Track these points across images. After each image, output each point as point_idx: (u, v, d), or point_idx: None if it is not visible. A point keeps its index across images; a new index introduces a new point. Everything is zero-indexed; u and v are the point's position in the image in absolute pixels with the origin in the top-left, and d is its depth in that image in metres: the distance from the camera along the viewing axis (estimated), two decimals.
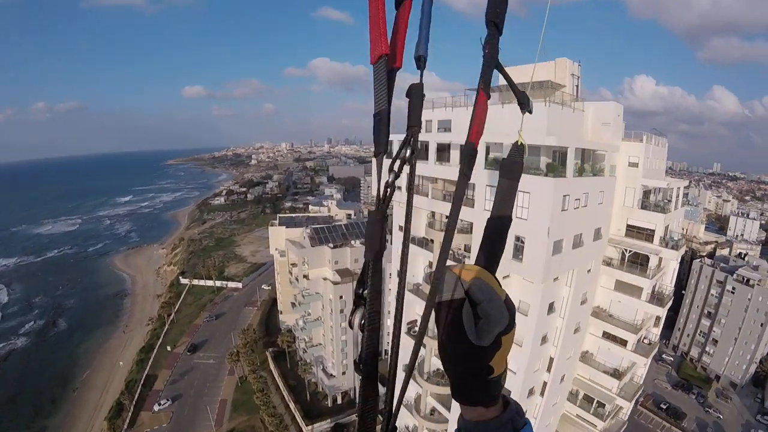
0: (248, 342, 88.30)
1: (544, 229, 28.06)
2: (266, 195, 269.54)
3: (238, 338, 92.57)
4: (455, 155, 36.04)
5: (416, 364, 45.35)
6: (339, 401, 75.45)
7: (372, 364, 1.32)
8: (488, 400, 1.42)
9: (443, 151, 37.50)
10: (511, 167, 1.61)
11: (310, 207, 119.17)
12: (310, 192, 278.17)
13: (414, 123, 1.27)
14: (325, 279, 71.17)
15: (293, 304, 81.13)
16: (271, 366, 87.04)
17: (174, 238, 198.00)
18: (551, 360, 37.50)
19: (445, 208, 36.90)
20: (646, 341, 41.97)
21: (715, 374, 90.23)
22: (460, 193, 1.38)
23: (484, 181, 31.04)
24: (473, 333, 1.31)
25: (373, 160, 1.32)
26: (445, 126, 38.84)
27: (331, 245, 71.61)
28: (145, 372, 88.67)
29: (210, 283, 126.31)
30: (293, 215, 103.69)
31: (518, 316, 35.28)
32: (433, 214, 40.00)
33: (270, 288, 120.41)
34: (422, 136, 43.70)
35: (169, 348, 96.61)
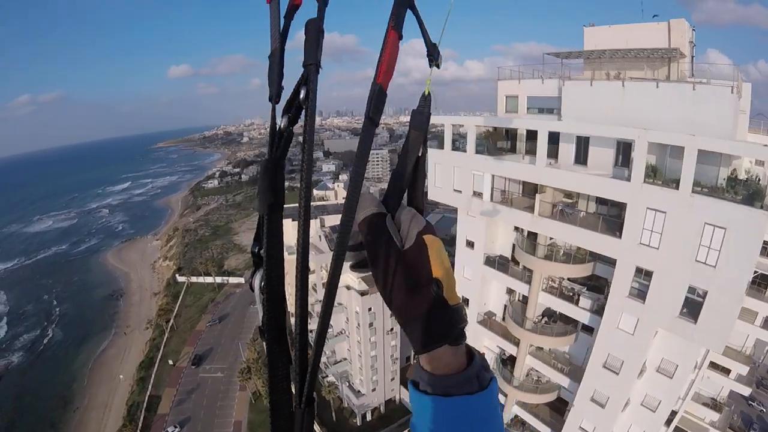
0: (259, 356, 79.18)
1: (742, 281, 17.67)
2: None
3: (246, 350, 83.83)
4: (566, 152, 25.39)
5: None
6: (369, 418, 67.65)
7: (276, 328, 1.08)
8: (451, 335, 1.21)
9: (533, 140, 28.35)
10: (419, 118, 1.48)
11: (315, 192, 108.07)
12: None
13: (310, 60, 1.08)
14: (348, 288, 61.57)
15: (309, 314, 71.59)
16: None
17: (168, 228, 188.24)
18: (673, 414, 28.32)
19: (546, 228, 27.90)
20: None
21: None
22: (366, 142, 1.14)
23: (642, 201, 20.54)
24: (400, 239, 1.26)
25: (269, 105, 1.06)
26: (544, 106, 29.79)
27: (352, 242, 61.27)
28: (148, 393, 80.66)
29: (209, 279, 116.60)
30: (297, 205, 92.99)
31: (656, 377, 25.79)
32: (523, 232, 31.63)
33: None
34: (501, 119, 32.23)
35: (171, 362, 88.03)
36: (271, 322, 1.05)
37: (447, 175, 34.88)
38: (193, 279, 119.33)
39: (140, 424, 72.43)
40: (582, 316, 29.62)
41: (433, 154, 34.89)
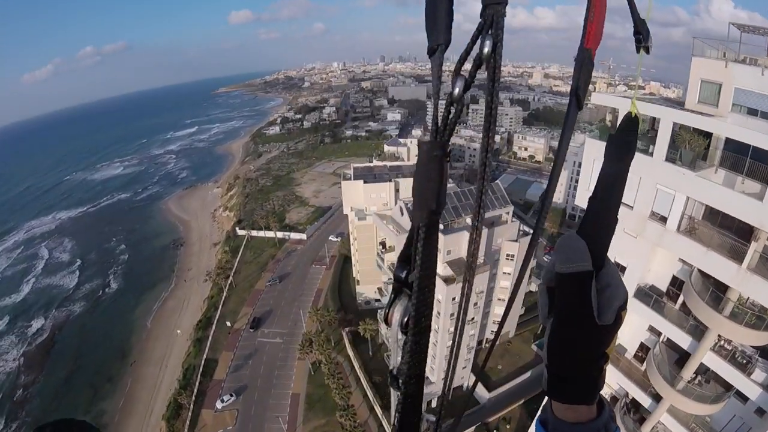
0: (322, 328, 70.61)
1: None
2: (323, 122, 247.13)
3: (307, 318, 75.64)
4: None
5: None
6: (433, 404, 58.37)
7: (416, 380, 0.99)
8: (594, 396, 1.25)
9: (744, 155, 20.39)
10: (624, 147, 1.25)
11: (386, 148, 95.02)
12: (371, 117, 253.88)
13: None
14: None
15: (380, 291, 61.22)
16: (349, 351, 71.06)
17: (229, 175, 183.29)
18: None
19: (757, 290, 20.02)
20: None
21: None
22: (570, 121, 1.08)
23: None
24: (596, 310, 1.14)
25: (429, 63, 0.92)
26: (760, 108, 20.72)
27: (441, 226, 48.90)
28: (204, 356, 75.52)
29: (270, 234, 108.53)
30: (370, 165, 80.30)
31: None
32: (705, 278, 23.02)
33: (339, 240, 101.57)
34: (684, 120, 23.04)
35: (228, 323, 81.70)
36: (411, 370, 0.94)
37: None
38: (254, 233, 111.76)
39: (195, 390, 67.88)
40: (751, 389, 22.84)
41: (594, 149, 26.58)
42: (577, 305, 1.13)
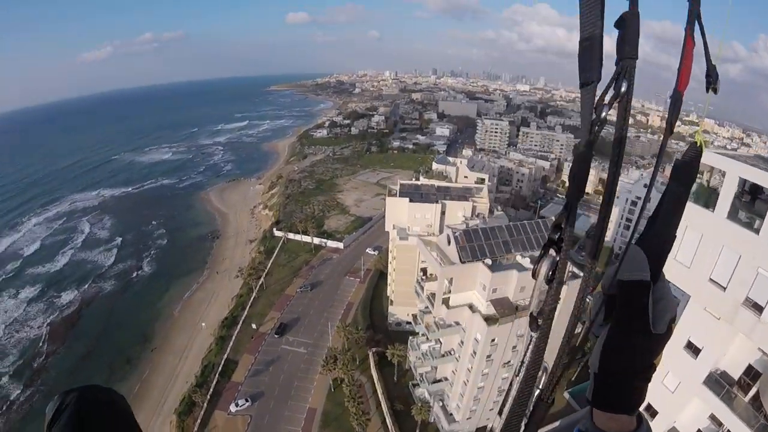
0: (348, 346, 67.43)
1: None
2: (371, 130, 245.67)
3: (334, 333, 72.88)
4: None
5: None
6: None
7: (549, 323, 1.26)
8: (637, 407, 1.36)
9: None
10: (687, 170, 1.43)
11: (434, 165, 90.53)
12: (420, 129, 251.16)
13: (631, 54, 1.12)
14: (472, 308, 46.22)
15: (415, 319, 57.53)
16: (373, 372, 67.49)
17: (272, 173, 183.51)
18: None
19: None
20: None
21: None
22: (662, 154, 1.33)
23: None
24: (651, 320, 1.26)
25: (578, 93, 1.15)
26: None
27: (489, 261, 45.12)
28: (225, 355, 73.59)
29: (307, 239, 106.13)
30: (417, 183, 75.86)
31: None
32: None
33: (376, 254, 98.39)
34: None
35: (254, 326, 79.59)
36: (551, 313, 1.18)
37: (708, 254, 21.72)
38: (291, 236, 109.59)
39: (211, 389, 66.36)
40: None
41: (691, 215, 21.91)
42: (635, 312, 1.25)
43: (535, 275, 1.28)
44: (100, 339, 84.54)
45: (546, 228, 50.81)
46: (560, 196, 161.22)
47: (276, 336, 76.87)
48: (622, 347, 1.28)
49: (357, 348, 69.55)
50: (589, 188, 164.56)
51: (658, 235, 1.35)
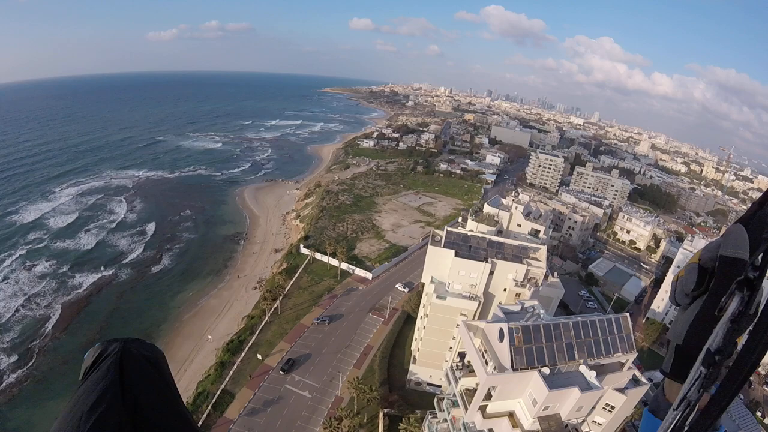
0: (358, 408, 58.71)
1: None
2: (419, 147, 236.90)
3: (345, 384, 64.37)
4: None
5: None
6: None
7: (725, 359, 1.28)
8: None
9: None
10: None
11: (486, 208, 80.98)
12: (470, 153, 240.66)
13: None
14: (512, 418, 36.72)
15: (438, 405, 47.90)
16: None
17: (311, 179, 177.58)
18: None
19: None
20: None
21: None
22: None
23: None
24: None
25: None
26: None
27: (547, 371, 35.54)
28: (223, 385, 66.26)
29: (334, 262, 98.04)
30: (467, 232, 65.30)
31: None
32: None
33: (407, 291, 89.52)
34: None
35: (259, 356, 72.05)
36: (731, 349, 1.22)
37: None
38: (317, 255, 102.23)
39: (201, 421, 59.60)
40: None
41: None
42: (732, 286, 1.29)
43: (720, 311, 1.26)
44: (103, 330, 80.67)
45: (618, 326, 40.66)
46: (610, 249, 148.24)
47: (281, 372, 69.08)
48: (713, 316, 1.30)
49: (368, 407, 60.89)
50: (641, 244, 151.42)
51: (761, 218, 1.34)
